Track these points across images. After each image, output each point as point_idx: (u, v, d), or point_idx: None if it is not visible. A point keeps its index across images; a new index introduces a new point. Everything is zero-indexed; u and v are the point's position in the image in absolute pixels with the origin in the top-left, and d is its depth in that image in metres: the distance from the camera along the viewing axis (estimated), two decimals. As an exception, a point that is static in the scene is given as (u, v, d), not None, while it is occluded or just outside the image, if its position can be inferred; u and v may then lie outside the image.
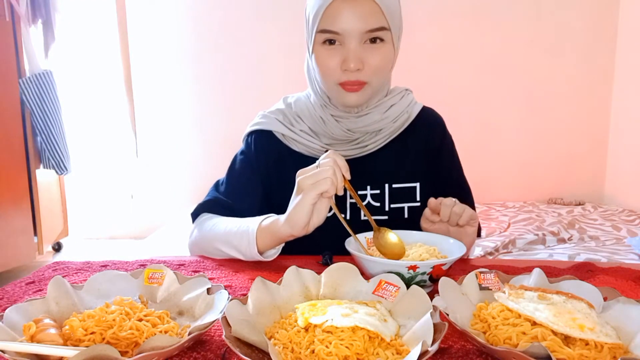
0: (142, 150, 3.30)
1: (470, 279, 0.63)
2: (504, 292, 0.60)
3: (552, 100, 3.01)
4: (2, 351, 0.47)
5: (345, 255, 0.79)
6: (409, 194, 1.01)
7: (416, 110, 1.04)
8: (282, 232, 0.81)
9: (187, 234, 1.01)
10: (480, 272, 0.64)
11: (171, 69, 3.16)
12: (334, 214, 0.96)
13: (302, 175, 0.78)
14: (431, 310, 0.53)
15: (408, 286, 0.61)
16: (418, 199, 1.01)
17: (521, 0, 2.93)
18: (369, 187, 1.00)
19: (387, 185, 1.00)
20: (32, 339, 0.50)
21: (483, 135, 3.03)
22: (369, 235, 0.82)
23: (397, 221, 0.98)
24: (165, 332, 0.54)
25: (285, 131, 1.01)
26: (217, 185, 1.05)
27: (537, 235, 2.11)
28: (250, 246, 0.84)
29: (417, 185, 1.01)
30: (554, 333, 0.50)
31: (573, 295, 0.58)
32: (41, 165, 2.80)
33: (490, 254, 1.94)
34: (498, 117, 3.05)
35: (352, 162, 0.95)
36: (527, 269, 0.73)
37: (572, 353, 0.48)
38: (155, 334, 0.53)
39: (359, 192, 0.98)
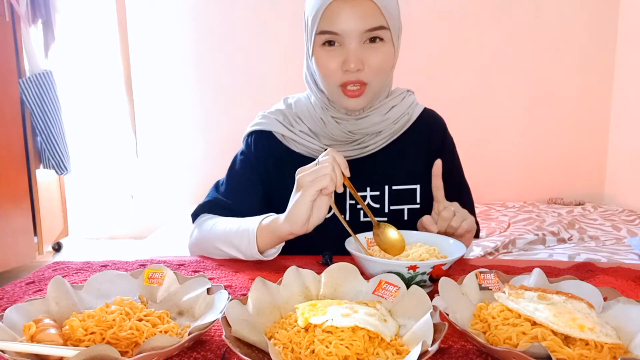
0: (142, 150, 3.30)
1: (470, 279, 0.63)
2: (504, 292, 0.60)
3: (552, 100, 3.01)
4: (2, 351, 0.47)
5: (345, 255, 0.79)
6: (409, 196, 1.00)
7: (417, 112, 1.04)
8: (282, 230, 0.81)
9: (187, 234, 1.01)
10: (480, 272, 0.64)
11: (171, 69, 3.16)
12: (334, 215, 0.97)
13: (302, 173, 0.79)
14: (431, 310, 0.53)
15: (408, 286, 0.61)
16: (418, 201, 1.00)
17: (521, 0, 2.93)
18: (368, 189, 1.00)
19: (386, 187, 1.00)
20: (32, 339, 0.50)
21: (483, 135, 3.03)
22: (369, 235, 0.82)
23: (396, 223, 0.98)
24: (165, 332, 0.54)
25: (285, 132, 1.00)
26: (217, 185, 1.05)
27: (537, 235, 2.11)
28: (251, 245, 0.84)
29: (417, 187, 1.01)
30: (554, 333, 0.50)
31: (573, 295, 0.58)
32: (41, 165, 2.80)
33: (490, 254, 1.94)
34: (498, 117, 3.05)
35: (351, 163, 0.95)
36: (527, 269, 0.73)
37: (572, 353, 0.48)
38: (155, 334, 0.53)
39: (359, 194, 0.98)
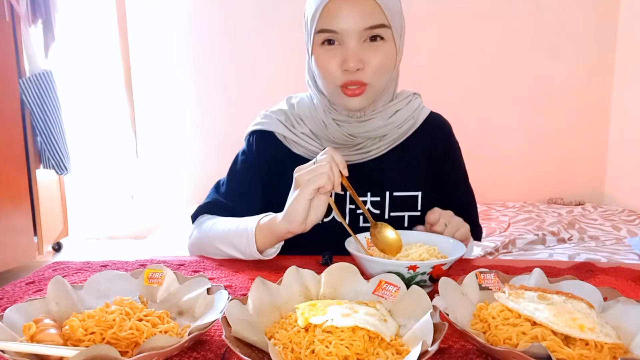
0: (142, 150, 3.30)
1: (470, 279, 0.63)
2: (504, 292, 0.60)
3: (552, 100, 3.01)
4: (2, 351, 0.47)
5: (345, 255, 0.79)
6: (410, 203, 0.99)
7: (423, 117, 1.02)
8: (280, 228, 0.80)
9: (187, 234, 1.01)
10: (480, 272, 0.64)
11: (171, 69, 3.16)
12: (334, 217, 0.96)
13: (300, 172, 0.79)
14: (431, 310, 0.53)
15: (408, 286, 0.61)
16: (419, 208, 0.99)
17: (521, 1, 2.93)
18: (369, 194, 0.98)
19: (387, 193, 0.98)
20: (32, 339, 0.50)
21: (483, 135, 3.03)
22: (369, 235, 0.82)
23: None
24: (165, 332, 0.54)
25: (286, 133, 0.99)
26: (217, 186, 1.04)
27: (537, 235, 2.11)
28: (250, 245, 0.84)
29: (419, 194, 0.99)
30: (554, 333, 0.50)
31: (573, 295, 0.58)
32: (41, 165, 2.80)
33: (490, 254, 1.94)
34: (498, 117, 3.05)
35: (353, 167, 0.93)
36: (527, 269, 0.73)
37: (572, 353, 0.48)
38: (155, 334, 0.53)
39: (361, 198, 0.96)
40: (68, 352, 0.48)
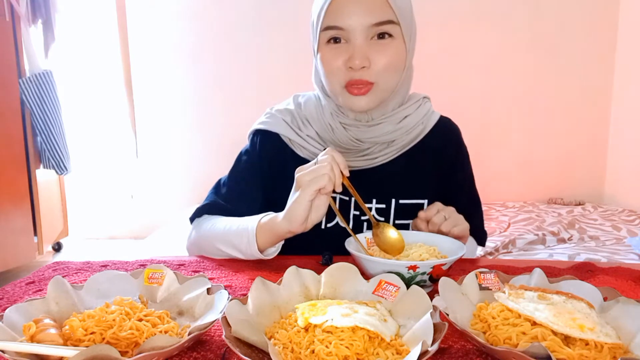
0: (142, 150, 3.30)
1: (470, 279, 0.63)
2: (504, 292, 0.60)
3: (552, 100, 3.01)
4: (2, 351, 0.47)
5: (345, 255, 0.79)
6: (415, 211, 0.95)
7: (432, 122, 0.99)
8: (281, 228, 0.80)
9: (187, 234, 1.01)
10: (480, 272, 0.64)
11: (171, 69, 3.16)
12: (337, 222, 0.96)
13: (301, 172, 0.78)
14: (431, 310, 0.53)
15: (408, 286, 0.61)
16: None
17: (521, 1, 2.93)
18: (374, 201, 0.96)
19: (393, 200, 0.96)
20: (32, 339, 0.50)
21: (483, 135, 3.03)
22: (369, 235, 0.82)
23: None
24: (165, 332, 0.54)
25: (292, 135, 0.97)
26: (218, 185, 1.03)
27: (537, 235, 2.11)
28: (250, 244, 0.83)
29: (425, 202, 0.97)
30: (554, 333, 0.50)
31: (573, 295, 0.58)
32: (41, 165, 2.81)
33: (490, 254, 1.94)
34: (498, 117, 3.05)
35: (358, 174, 0.92)
36: (527, 269, 0.73)
37: (572, 353, 0.48)
38: (155, 334, 0.53)
39: (367, 206, 0.93)
40: (68, 352, 0.48)
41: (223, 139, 3.15)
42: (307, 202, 0.76)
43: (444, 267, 0.69)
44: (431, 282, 0.70)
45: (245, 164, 1.02)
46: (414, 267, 0.66)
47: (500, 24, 2.96)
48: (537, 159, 3.07)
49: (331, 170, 0.75)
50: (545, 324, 0.51)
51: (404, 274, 0.67)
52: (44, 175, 2.84)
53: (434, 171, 0.99)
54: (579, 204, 2.87)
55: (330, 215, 0.95)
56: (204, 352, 0.53)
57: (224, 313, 0.52)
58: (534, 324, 0.52)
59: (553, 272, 0.80)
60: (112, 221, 3.45)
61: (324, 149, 0.94)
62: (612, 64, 2.96)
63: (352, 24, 0.82)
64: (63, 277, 0.63)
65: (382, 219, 0.96)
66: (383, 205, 0.96)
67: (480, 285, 0.63)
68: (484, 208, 1.11)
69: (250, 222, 0.85)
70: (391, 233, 0.79)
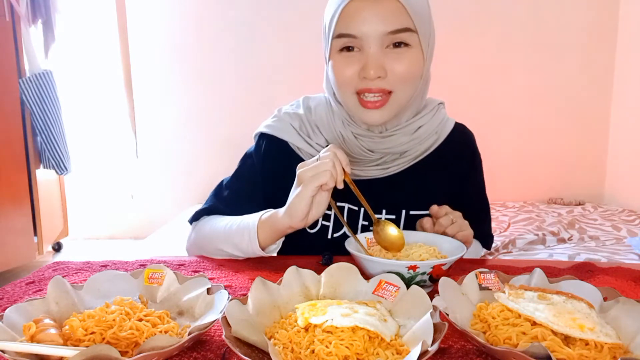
0: (142, 150, 3.30)
1: (470, 279, 0.63)
2: (504, 292, 0.60)
3: (552, 100, 3.01)
4: (2, 351, 0.47)
5: (345, 255, 0.79)
6: None
7: (447, 131, 0.96)
8: (281, 223, 0.79)
9: (187, 234, 1.01)
10: (480, 272, 0.64)
11: (171, 69, 3.16)
12: (344, 232, 0.95)
13: (303, 168, 0.77)
14: (431, 310, 0.53)
15: (408, 286, 0.61)
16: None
17: (521, 1, 2.93)
18: (384, 211, 0.94)
19: (404, 212, 0.94)
20: (32, 339, 0.50)
21: (483, 135, 2.99)
22: (369, 235, 0.82)
23: None
24: (165, 332, 0.54)
25: (300, 144, 0.93)
26: (220, 188, 1.01)
27: (537, 235, 2.10)
28: (252, 241, 0.83)
29: None
30: (554, 333, 0.50)
31: (573, 295, 0.58)
32: (41, 165, 2.81)
33: (490, 254, 1.94)
34: (498, 117, 3.05)
35: (369, 183, 0.90)
36: (527, 269, 0.73)
37: (572, 353, 0.48)
38: (155, 334, 0.53)
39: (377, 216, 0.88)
40: (68, 352, 0.48)
41: (223, 138, 3.16)
42: (308, 197, 0.75)
43: (444, 267, 0.69)
44: (431, 282, 0.70)
45: (248, 168, 0.99)
46: (414, 267, 0.66)
47: (500, 24, 2.96)
48: (537, 159, 3.07)
49: (333, 167, 0.74)
50: (545, 324, 0.51)
51: (404, 274, 0.67)
52: (44, 175, 2.84)
53: (446, 180, 0.97)
54: (579, 204, 2.87)
55: (337, 225, 0.94)
56: (204, 352, 0.53)
57: (224, 313, 0.52)
58: (534, 324, 0.52)
59: (553, 272, 0.80)
60: (112, 221, 3.45)
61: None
62: (612, 64, 2.96)
63: (366, 31, 0.77)
64: (63, 277, 0.63)
65: (380, 217, 0.95)
66: (393, 216, 0.94)
67: (480, 285, 0.63)
68: (485, 208, 1.10)
69: (251, 219, 0.85)
70: (391, 230, 0.79)
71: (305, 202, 0.76)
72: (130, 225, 3.41)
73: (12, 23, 2.55)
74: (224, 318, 0.52)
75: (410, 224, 0.93)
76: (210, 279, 0.68)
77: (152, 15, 3.12)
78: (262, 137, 0.99)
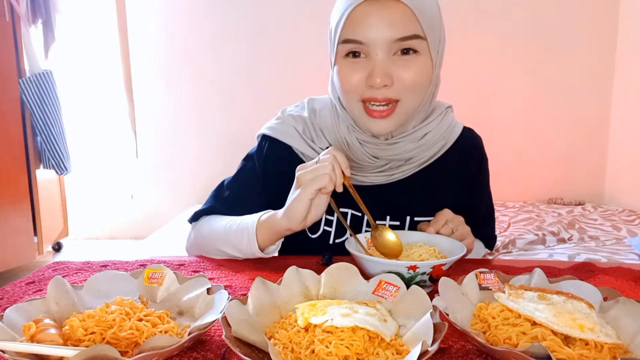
0: (142, 150, 3.30)
1: (470, 279, 0.63)
2: (504, 292, 0.60)
3: (552, 100, 3.01)
4: (2, 351, 0.47)
5: (345, 255, 0.79)
6: None
7: (454, 136, 0.94)
8: (280, 225, 0.79)
9: (187, 234, 1.01)
10: (480, 272, 0.64)
11: (171, 69, 3.16)
12: (347, 237, 0.94)
13: (302, 170, 0.77)
14: (431, 310, 0.53)
15: (408, 286, 0.61)
16: None
17: (521, 1, 2.93)
18: (388, 218, 0.92)
19: (408, 218, 0.92)
20: (32, 339, 0.50)
21: (482, 135, 3.01)
22: (369, 235, 0.82)
23: None
24: (165, 332, 0.54)
25: (304, 148, 0.92)
26: (221, 188, 1.00)
27: (537, 235, 2.10)
28: (251, 242, 0.83)
29: None
30: (554, 333, 0.50)
31: (573, 295, 0.58)
32: (41, 165, 2.81)
33: (490, 254, 1.94)
34: (497, 116, 3.05)
35: (373, 189, 0.90)
36: (527, 269, 0.73)
37: (572, 353, 0.48)
38: (155, 334, 0.53)
39: (377, 222, 0.85)
40: (68, 352, 0.48)
41: (223, 138, 3.16)
42: (307, 200, 0.75)
43: (444, 267, 0.69)
44: (431, 282, 0.70)
45: (249, 169, 0.98)
46: (414, 267, 0.66)
47: (500, 24, 2.96)
48: (537, 159, 3.07)
49: (332, 170, 0.73)
50: (545, 324, 0.51)
51: (404, 274, 0.67)
52: (44, 175, 2.84)
53: (452, 186, 0.96)
54: (579, 204, 2.86)
55: (339, 231, 0.94)
56: (204, 352, 0.53)
57: (224, 313, 0.52)
58: (534, 324, 0.52)
59: (553, 272, 0.80)
60: (112, 221, 3.45)
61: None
62: (612, 63, 2.96)
63: (373, 38, 0.75)
64: (63, 277, 0.63)
65: (384, 223, 0.94)
66: (397, 223, 0.93)
67: (480, 285, 0.63)
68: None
69: (250, 220, 0.85)
70: (389, 236, 0.78)
71: (304, 205, 0.75)
72: (130, 225, 3.41)
73: (12, 23, 2.55)
74: (224, 318, 0.52)
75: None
76: (210, 279, 0.68)
77: (152, 15, 3.12)
78: (265, 139, 0.97)
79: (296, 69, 2.99)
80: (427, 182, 0.93)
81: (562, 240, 2.10)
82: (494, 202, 1.11)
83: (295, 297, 0.62)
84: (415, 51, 0.77)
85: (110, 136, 3.37)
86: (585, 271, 0.81)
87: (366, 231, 0.93)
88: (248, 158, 1.00)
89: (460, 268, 0.83)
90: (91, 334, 0.52)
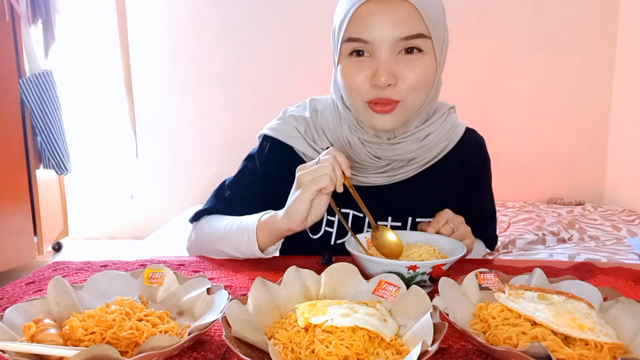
0: (142, 150, 3.30)
1: (470, 279, 0.63)
2: (504, 292, 0.60)
3: (552, 100, 3.01)
4: (2, 351, 0.47)
5: (345, 255, 0.79)
6: None
7: (457, 137, 0.94)
8: (280, 225, 0.79)
9: (187, 234, 1.01)
10: (480, 272, 0.64)
11: (171, 69, 3.16)
12: (347, 239, 0.94)
13: (302, 171, 0.76)
14: (431, 310, 0.53)
15: (408, 286, 0.61)
16: None
17: (521, 1, 2.93)
18: (390, 219, 0.92)
19: (410, 219, 0.92)
20: (32, 339, 0.50)
21: (482, 134, 3.02)
22: (369, 235, 0.82)
23: None
24: (165, 332, 0.54)
25: (305, 149, 0.91)
26: (222, 188, 1.00)
27: (537, 235, 2.11)
28: (251, 243, 0.82)
29: None
30: (554, 333, 0.50)
31: (573, 295, 0.58)
32: (41, 165, 2.81)
33: (491, 253, 1.94)
34: (498, 116, 3.05)
35: (374, 190, 0.90)
36: (527, 269, 0.73)
37: (572, 353, 0.48)
38: (155, 334, 0.53)
39: (379, 223, 0.84)
40: (68, 352, 0.48)
41: (223, 138, 3.15)
42: (307, 201, 0.75)
43: (444, 267, 0.69)
44: (431, 282, 0.70)
45: (251, 170, 0.98)
46: (414, 267, 0.66)
47: (501, 24, 2.96)
48: (537, 159, 3.07)
49: (332, 170, 0.73)
50: (545, 324, 0.51)
51: (404, 274, 0.67)
52: (44, 175, 2.84)
53: (455, 187, 0.96)
54: (579, 204, 2.87)
55: (340, 232, 0.94)
56: (204, 352, 0.53)
57: (224, 313, 0.52)
58: (534, 324, 0.52)
59: (553, 272, 0.80)
60: (112, 221, 3.45)
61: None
62: (612, 64, 2.96)
63: (378, 37, 0.74)
64: (63, 277, 0.63)
65: (386, 224, 0.93)
66: (399, 224, 0.93)
67: (480, 285, 0.63)
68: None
69: (250, 221, 0.85)
70: (390, 236, 0.78)
71: (304, 205, 0.75)
72: (130, 225, 3.41)
73: (12, 23, 2.55)
74: (224, 318, 0.52)
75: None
76: (210, 279, 0.68)
77: (152, 15, 3.12)
78: (266, 139, 0.97)
79: (297, 69, 2.99)
80: (429, 183, 0.93)
81: (562, 240, 2.10)
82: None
83: (295, 297, 0.62)
84: (419, 50, 0.77)
85: (110, 136, 3.37)
86: (585, 271, 0.81)
87: (367, 232, 0.93)
88: (249, 158, 1.00)
89: (460, 268, 0.83)
90: (91, 334, 0.52)
